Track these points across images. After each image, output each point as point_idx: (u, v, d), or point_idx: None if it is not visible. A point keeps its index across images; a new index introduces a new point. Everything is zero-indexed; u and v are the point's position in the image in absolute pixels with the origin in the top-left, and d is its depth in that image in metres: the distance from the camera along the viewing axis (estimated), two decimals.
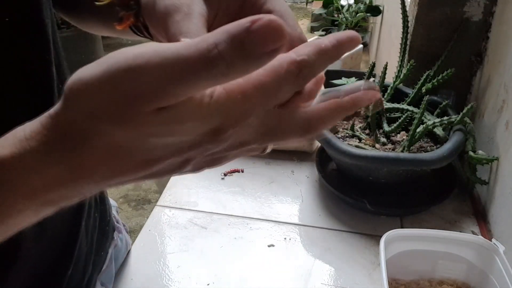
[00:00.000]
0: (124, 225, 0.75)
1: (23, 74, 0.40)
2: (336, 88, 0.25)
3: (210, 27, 0.30)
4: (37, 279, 0.48)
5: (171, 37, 0.28)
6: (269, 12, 0.30)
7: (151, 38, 0.39)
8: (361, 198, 0.80)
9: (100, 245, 0.62)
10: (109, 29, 0.45)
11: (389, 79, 0.91)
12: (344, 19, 2.93)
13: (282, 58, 0.21)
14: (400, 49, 0.93)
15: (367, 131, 0.87)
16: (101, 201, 0.62)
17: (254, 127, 0.23)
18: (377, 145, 0.82)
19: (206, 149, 0.24)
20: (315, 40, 0.23)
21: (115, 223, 0.70)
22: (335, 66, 2.66)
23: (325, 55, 0.22)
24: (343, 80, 1.28)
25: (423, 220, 0.81)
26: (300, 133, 0.24)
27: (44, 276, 0.49)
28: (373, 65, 0.88)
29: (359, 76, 1.18)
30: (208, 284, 0.70)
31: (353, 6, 2.95)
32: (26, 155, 0.22)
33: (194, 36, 0.27)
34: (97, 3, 0.35)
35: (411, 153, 0.78)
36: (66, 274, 0.51)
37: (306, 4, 3.84)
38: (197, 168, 0.27)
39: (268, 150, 0.29)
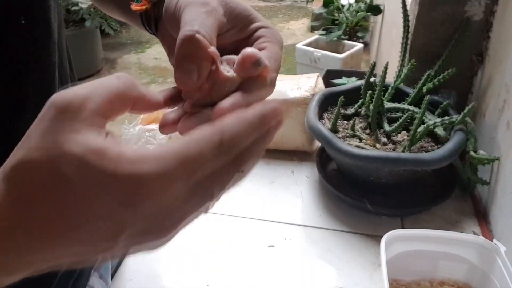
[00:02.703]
0: None
1: (27, 73, 0.41)
2: None
3: (217, 37, 0.33)
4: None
5: (185, 23, 0.30)
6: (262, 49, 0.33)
7: (154, 33, 0.40)
8: (361, 198, 0.80)
9: None
10: (120, 12, 0.47)
11: (390, 78, 0.91)
12: (344, 18, 2.92)
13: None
14: (401, 48, 0.93)
15: (367, 131, 0.86)
16: None
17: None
18: (377, 145, 0.82)
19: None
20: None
21: None
22: (335, 65, 2.65)
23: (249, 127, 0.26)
24: (344, 79, 1.28)
25: (424, 221, 0.81)
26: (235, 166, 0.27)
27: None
28: (374, 65, 0.88)
29: (360, 75, 1.18)
30: (208, 284, 0.70)
31: (354, 5, 2.94)
32: None
33: (207, 31, 0.30)
34: None
35: (412, 153, 0.78)
36: (56, 276, 0.51)
37: (307, 3, 3.84)
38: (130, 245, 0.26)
39: (211, 205, 0.29)
